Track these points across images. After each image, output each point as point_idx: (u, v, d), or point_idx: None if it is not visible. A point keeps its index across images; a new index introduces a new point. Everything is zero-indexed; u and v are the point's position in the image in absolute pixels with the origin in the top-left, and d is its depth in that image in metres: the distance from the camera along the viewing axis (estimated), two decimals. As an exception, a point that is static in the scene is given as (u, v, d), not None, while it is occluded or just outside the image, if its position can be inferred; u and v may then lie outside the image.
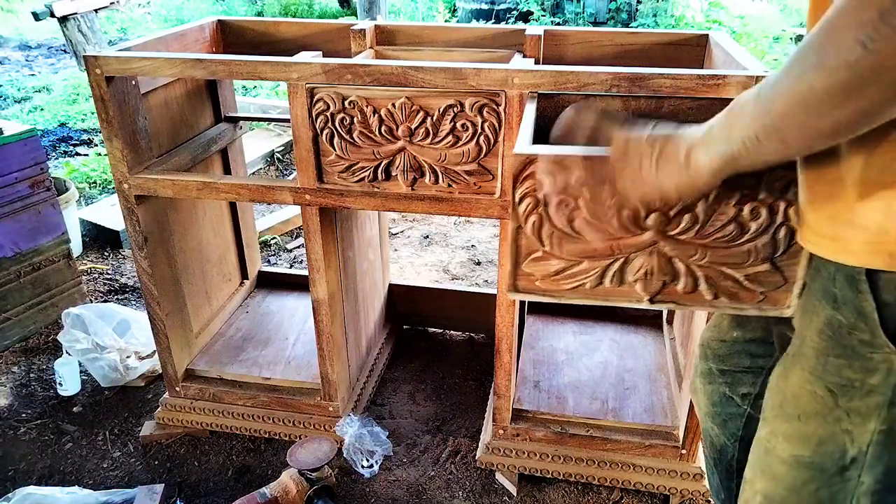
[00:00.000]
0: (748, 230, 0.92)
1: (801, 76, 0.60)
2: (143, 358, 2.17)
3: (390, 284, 2.33)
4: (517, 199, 0.97)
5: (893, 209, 0.67)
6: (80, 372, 2.14)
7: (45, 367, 2.25)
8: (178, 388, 1.88)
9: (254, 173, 3.74)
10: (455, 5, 7.74)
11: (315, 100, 1.42)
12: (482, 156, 1.41)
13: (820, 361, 0.79)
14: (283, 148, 4.05)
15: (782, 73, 0.63)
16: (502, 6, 7.27)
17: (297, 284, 2.30)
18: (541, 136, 1.15)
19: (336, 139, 1.45)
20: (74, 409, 2.06)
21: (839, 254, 0.73)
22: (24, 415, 2.05)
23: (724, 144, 0.71)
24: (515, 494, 1.74)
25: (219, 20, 1.91)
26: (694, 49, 1.69)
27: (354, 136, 1.44)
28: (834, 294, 0.75)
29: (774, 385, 0.87)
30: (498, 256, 1.52)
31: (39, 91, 5.57)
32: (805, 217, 0.79)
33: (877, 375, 0.75)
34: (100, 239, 3.07)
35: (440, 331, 2.42)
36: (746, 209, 0.90)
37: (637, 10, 7.03)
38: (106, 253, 2.99)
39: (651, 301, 1.01)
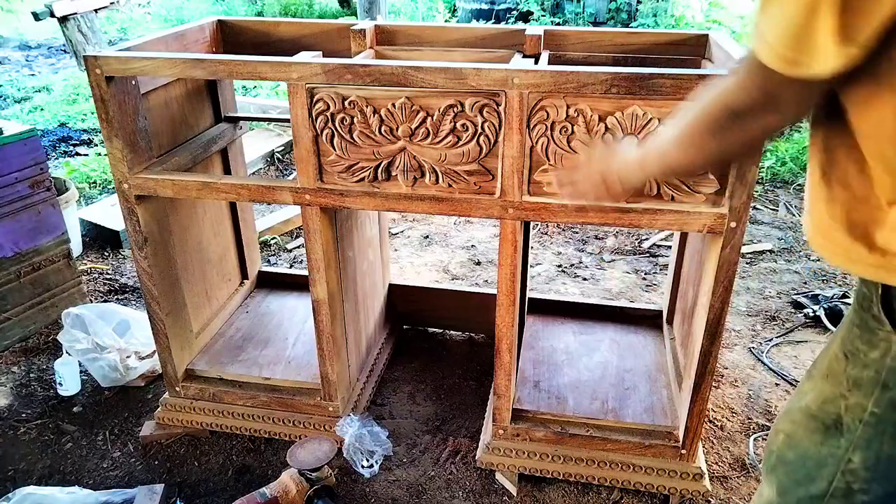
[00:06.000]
0: None
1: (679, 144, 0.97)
2: (143, 358, 2.17)
3: (390, 284, 2.33)
4: (531, 126, 1.35)
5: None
6: (80, 372, 2.14)
7: (45, 367, 2.25)
8: (178, 388, 1.88)
9: (254, 173, 3.74)
10: (455, 5, 7.74)
11: (315, 100, 1.42)
12: (482, 156, 1.41)
13: (848, 329, 0.90)
14: (283, 148, 4.05)
15: (666, 144, 0.99)
16: (502, 6, 7.27)
17: (297, 284, 2.30)
18: None
19: (336, 139, 1.45)
20: (74, 409, 2.06)
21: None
22: (24, 415, 2.05)
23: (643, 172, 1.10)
24: (515, 494, 1.74)
25: (219, 20, 1.91)
26: (694, 49, 1.69)
27: (354, 136, 1.44)
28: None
29: (823, 351, 1.00)
30: (497, 256, 1.52)
31: (39, 91, 5.57)
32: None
33: (876, 351, 0.85)
34: (100, 239, 3.07)
35: (440, 331, 2.42)
36: None
37: (637, 10, 7.03)
38: (106, 253, 2.99)
39: (626, 201, 1.37)
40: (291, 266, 2.95)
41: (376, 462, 1.81)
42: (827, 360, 0.95)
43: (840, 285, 2.72)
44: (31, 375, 2.21)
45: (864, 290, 0.87)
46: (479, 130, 1.38)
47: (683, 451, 1.65)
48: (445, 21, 7.37)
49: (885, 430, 0.86)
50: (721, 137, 0.88)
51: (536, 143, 1.36)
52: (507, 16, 7.17)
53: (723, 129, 0.86)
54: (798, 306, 2.57)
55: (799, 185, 3.63)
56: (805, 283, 2.75)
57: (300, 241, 3.12)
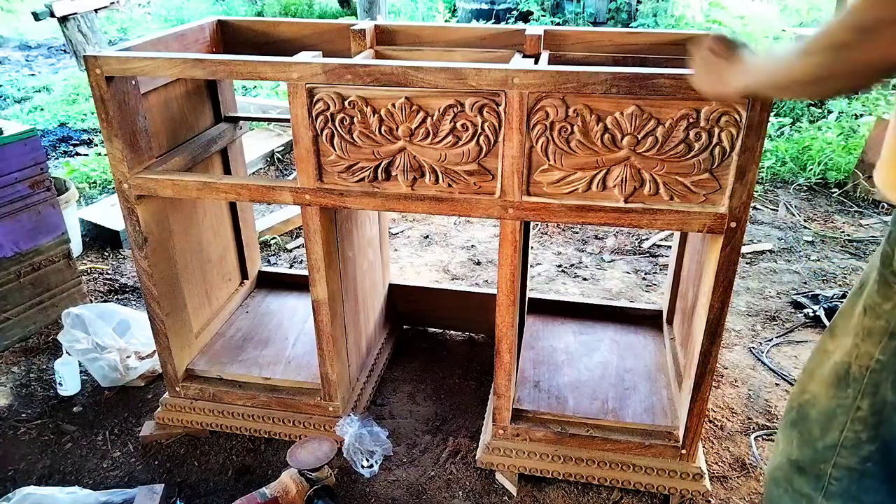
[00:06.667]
0: (693, 149, 1.30)
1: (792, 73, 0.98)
2: (143, 358, 2.17)
3: (390, 284, 2.33)
4: (531, 126, 1.34)
5: None
6: (80, 372, 2.14)
7: (45, 367, 2.25)
8: (178, 388, 1.88)
9: (254, 173, 3.74)
10: (455, 5, 7.74)
11: (315, 100, 1.42)
12: (482, 156, 1.41)
13: (871, 286, 0.96)
14: (283, 148, 4.05)
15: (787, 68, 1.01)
16: (502, 6, 7.27)
17: (297, 284, 2.30)
18: None
19: (336, 139, 1.45)
20: (74, 409, 2.06)
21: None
22: (24, 415, 2.05)
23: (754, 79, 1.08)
24: (515, 494, 1.74)
25: (219, 20, 1.91)
26: (694, 49, 1.68)
27: (354, 136, 1.44)
28: (890, 231, 0.95)
29: (841, 311, 1.05)
30: (497, 256, 1.52)
31: (39, 91, 5.57)
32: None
33: (889, 303, 0.92)
34: (100, 239, 3.07)
35: (440, 331, 2.42)
36: (692, 133, 1.29)
37: (637, 10, 7.03)
38: (106, 253, 2.99)
39: (625, 201, 1.38)
40: (291, 266, 2.95)
41: (376, 462, 1.81)
42: (851, 318, 1.00)
43: (840, 285, 2.72)
44: (31, 375, 2.22)
45: (887, 249, 0.94)
46: (479, 130, 1.38)
47: (683, 451, 1.65)
48: (445, 21, 7.37)
49: (888, 378, 0.92)
50: (842, 57, 0.90)
51: (536, 142, 1.36)
52: (507, 16, 7.17)
53: (846, 47, 0.89)
54: (798, 306, 2.57)
55: (799, 184, 3.63)
56: (805, 283, 2.75)
57: (300, 241, 3.12)
